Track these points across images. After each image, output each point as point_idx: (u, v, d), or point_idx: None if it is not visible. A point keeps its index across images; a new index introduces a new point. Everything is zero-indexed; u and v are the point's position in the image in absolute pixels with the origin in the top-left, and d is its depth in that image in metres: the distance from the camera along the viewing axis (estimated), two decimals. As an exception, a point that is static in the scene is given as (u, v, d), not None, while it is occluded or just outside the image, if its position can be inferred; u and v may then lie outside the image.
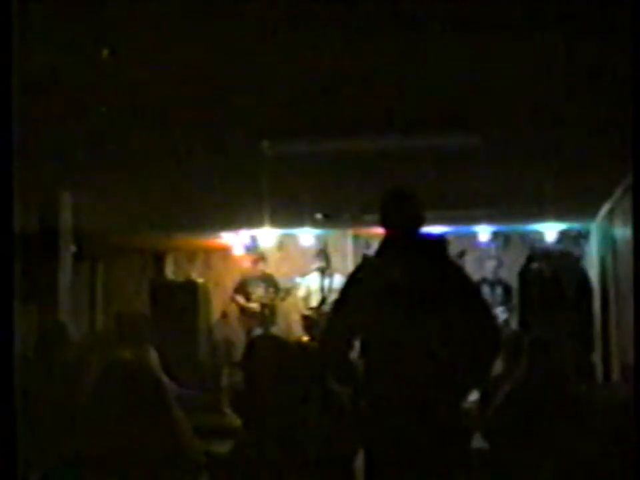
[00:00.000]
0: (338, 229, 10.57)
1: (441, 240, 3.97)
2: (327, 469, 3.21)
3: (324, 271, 10.33)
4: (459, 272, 3.94)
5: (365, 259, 4.22)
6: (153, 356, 6.17)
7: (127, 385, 2.60)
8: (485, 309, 3.88)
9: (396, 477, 3.53)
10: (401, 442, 3.56)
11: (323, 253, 10.49)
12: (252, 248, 10.94)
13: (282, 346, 3.42)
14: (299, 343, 4.04)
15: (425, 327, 3.61)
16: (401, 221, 3.78)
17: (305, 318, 10.27)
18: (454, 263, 4.13)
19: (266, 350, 3.39)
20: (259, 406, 3.18)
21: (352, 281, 3.90)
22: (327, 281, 10.29)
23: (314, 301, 10.27)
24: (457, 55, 3.81)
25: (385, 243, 3.84)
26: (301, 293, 10.47)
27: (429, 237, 3.97)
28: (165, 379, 2.98)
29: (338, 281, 10.21)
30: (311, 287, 10.38)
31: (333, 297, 9.93)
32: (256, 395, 3.23)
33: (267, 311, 10.56)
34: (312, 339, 9.51)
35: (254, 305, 10.55)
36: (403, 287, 3.64)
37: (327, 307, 9.96)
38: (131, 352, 5.86)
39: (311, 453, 3.06)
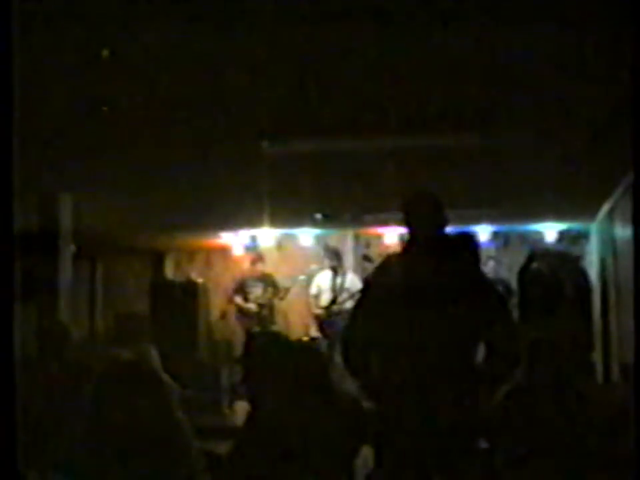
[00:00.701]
0: (338, 229, 10.56)
1: (465, 239, 4.01)
2: (327, 468, 3.20)
3: (336, 270, 10.26)
4: (480, 274, 4.04)
5: (387, 257, 4.26)
6: (154, 355, 6.17)
7: (127, 385, 2.60)
8: (508, 316, 3.95)
9: (405, 474, 3.57)
10: (412, 441, 3.60)
11: (334, 251, 10.41)
12: (251, 248, 10.94)
13: (280, 341, 3.40)
14: (299, 340, 4.03)
15: (444, 328, 3.67)
16: (427, 222, 3.87)
17: (316, 317, 10.22)
18: (475, 265, 4.15)
19: (265, 345, 3.37)
20: (258, 402, 3.17)
21: (373, 279, 4.01)
22: (338, 280, 10.21)
23: (324, 300, 10.21)
24: (457, 54, 3.81)
25: (410, 243, 3.92)
26: (312, 290, 10.39)
27: (455, 236, 4.01)
28: (166, 378, 2.97)
29: (350, 279, 10.18)
30: (322, 285, 10.29)
31: (344, 296, 9.89)
32: (254, 392, 3.22)
33: (264, 311, 10.54)
34: (313, 339, 9.49)
35: (251, 305, 10.54)
36: (423, 287, 3.71)
37: (337, 307, 9.92)
38: (132, 351, 5.87)
39: (311, 450, 3.05)
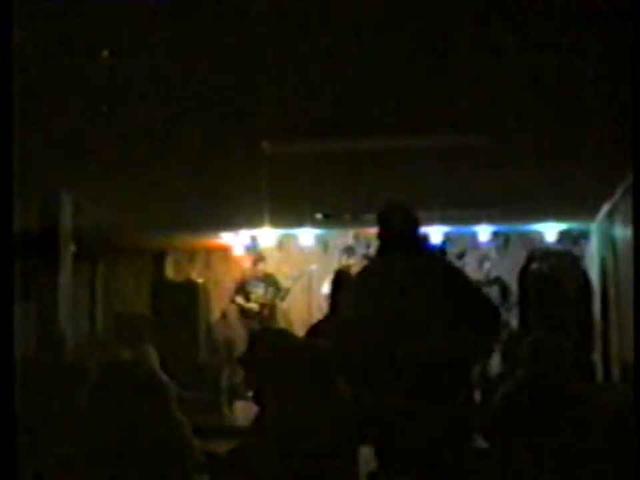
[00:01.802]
0: (338, 229, 10.55)
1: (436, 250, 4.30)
2: (329, 466, 3.18)
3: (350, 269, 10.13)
4: (454, 268, 4.41)
5: (367, 263, 4.64)
6: (153, 356, 6.17)
7: (125, 385, 2.59)
8: (481, 296, 4.28)
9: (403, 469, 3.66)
10: (405, 436, 3.68)
11: (351, 250, 10.31)
12: (252, 248, 10.94)
13: (286, 339, 3.36)
14: (304, 338, 4.00)
15: (426, 318, 3.88)
16: (398, 223, 4.20)
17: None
18: (446, 260, 4.43)
19: (270, 343, 3.32)
20: (263, 401, 3.13)
21: (360, 283, 4.33)
22: None
23: None
24: (457, 54, 3.81)
25: (384, 245, 4.22)
26: (324, 290, 10.30)
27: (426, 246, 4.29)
28: (164, 378, 2.97)
29: None
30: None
31: None
32: (258, 390, 3.19)
33: (266, 311, 10.53)
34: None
35: (253, 305, 10.54)
36: (403, 282, 3.97)
37: None
38: (130, 352, 5.87)
39: (316, 450, 3.02)
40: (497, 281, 10.19)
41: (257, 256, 10.73)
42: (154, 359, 6.11)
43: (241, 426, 5.39)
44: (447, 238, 10.36)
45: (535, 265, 9.21)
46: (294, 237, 10.90)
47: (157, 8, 3.24)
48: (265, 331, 6.79)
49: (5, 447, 1.46)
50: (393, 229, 4.18)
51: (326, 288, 10.30)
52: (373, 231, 10.88)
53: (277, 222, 9.23)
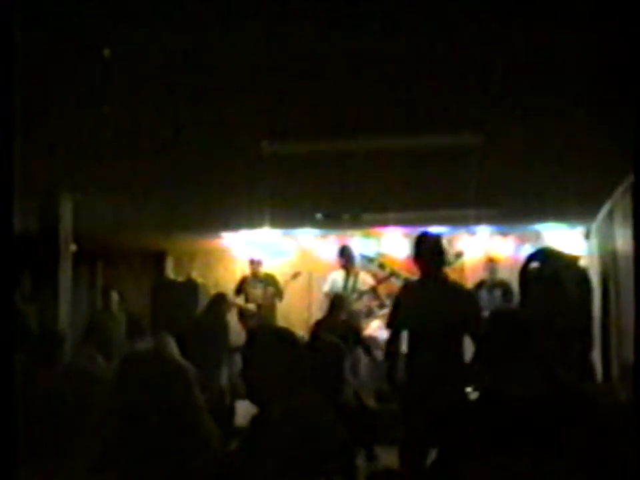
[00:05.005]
0: (338, 229, 10.56)
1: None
2: (332, 468, 3.18)
3: (348, 269, 10.07)
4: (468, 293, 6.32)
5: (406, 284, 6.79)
6: (171, 344, 6.22)
7: (147, 373, 2.58)
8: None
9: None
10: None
11: (347, 250, 10.24)
12: (252, 248, 10.95)
13: (284, 336, 3.32)
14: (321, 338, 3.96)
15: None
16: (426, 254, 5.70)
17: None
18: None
19: (268, 339, 3.30)
20: (257, 398, 3.11)
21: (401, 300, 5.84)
22: (351, 280, 10.05)
23: None
24: (458, 53, 3.81)
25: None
26: (325, 288, 10.25)
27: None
28: (183, 362, 2.96)
29: (362, 280, 10.05)
30: (335, 284, 10.10)
31: (354, 296, 9.75)
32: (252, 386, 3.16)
33: (263, 312, 10.52)
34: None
35: (250, 306, 10.53)
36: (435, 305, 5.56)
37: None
38: (149, 342, 5.93)
39: (308, 446, 3.01)
40: (501, 283, 10.19)
41: (256, 256, 10.74)
42: (173, 346, 6.16)
43: (240, 426, 5.40)
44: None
45: (534, 265, 9.18)
46: (294, 237, 10.90)
47: (157, 7, 3.23)
48: (266, 327, 6.78)
49: (5, 448, 1.46)
50: (421, 257, 5.61)
51: (326, 287, 10.31)
52: (373, 230, 10.93)
53: (276, 222, 9.24)
